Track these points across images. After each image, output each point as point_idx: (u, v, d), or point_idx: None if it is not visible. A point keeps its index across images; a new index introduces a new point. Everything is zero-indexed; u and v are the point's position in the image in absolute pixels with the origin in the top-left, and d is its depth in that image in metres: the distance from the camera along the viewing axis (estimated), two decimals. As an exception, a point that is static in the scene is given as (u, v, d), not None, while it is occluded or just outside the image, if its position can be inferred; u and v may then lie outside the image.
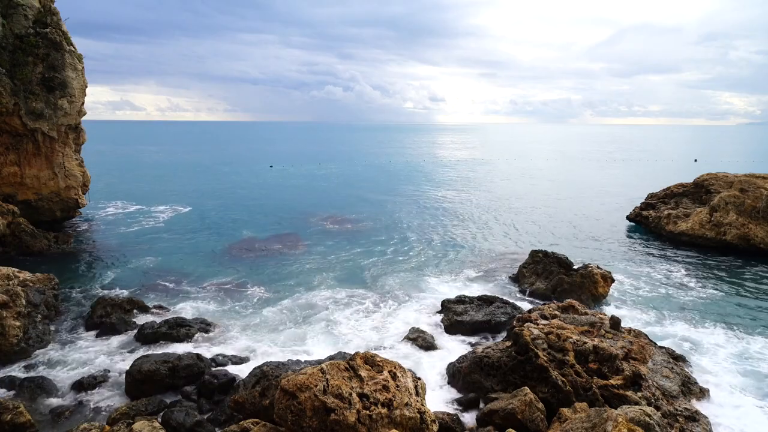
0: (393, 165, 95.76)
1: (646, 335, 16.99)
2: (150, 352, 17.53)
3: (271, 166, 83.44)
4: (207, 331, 19.39)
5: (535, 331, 15.15)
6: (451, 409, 14.34)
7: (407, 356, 17.88)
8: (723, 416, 14.33)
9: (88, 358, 17.63)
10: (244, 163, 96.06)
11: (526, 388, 13.26)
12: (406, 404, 11.01)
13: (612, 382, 13.56)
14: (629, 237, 36.95)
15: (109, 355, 17.76)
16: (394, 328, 20.61)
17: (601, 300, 23.30)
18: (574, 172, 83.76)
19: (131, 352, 17.98)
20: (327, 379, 10.88)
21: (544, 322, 16.43)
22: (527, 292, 24.62)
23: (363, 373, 11.35)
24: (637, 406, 11.76)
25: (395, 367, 11.86)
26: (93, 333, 19.43)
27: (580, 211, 47.01)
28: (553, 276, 24.42)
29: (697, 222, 34.40)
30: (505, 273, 27.79)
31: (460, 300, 21.60)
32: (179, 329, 18.83)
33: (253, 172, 78.34)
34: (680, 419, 12.78)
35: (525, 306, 21.88)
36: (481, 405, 14.14)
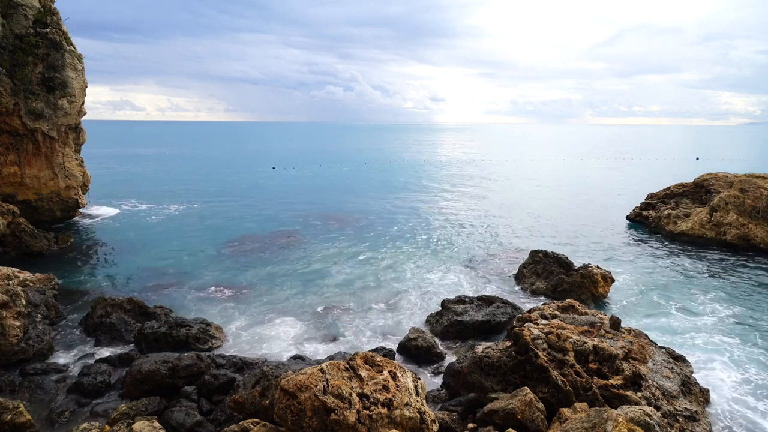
0: (394, 165, 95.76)
1: (646, 335, 16.98)
2: (150, 353, 17.51)
3: (274, 168, 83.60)
4: (207, 331, 19.36)
5: (535, 331, 15.13)
6: (450, 409, 14.32)
7: (407, 356, 17.90)
8: (723, 416, 14.34)
9: (88, 358, 17.65)
10: (247, 163, 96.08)
11: (526, 388, 13.24)
12: (406, 404, 11.01)
13: (612, 382, 13.54)
14: (629, 237, 36.92)
15: (109, 356, 17.75)
16: (393, 327, 20.68)
17: (601, 300, 23.31)
18: (574, 172, 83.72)
19: (131, 352, 17.97)
20: (327, 379, 10.87)
21: (544, 322, 16.42)
22: (527, 292, 24.63)
23: (363, 373, 11.35)
24: (637, 406, 11.74)
25: (395, 367, 11.85)
26: (93, 333, 19.41)
27: (580, 211, 47.01)
28: (553, 276, 24.42)
29: (697, 222, 34.41)
30: (505, 273, 27.80)
31: (460, 300, 21.58)
32: (179, 329, 18.80)
33: (256, 173, 78.35)
34: (680, 419, 12.78)
35: (525, 306, 21.88)
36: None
